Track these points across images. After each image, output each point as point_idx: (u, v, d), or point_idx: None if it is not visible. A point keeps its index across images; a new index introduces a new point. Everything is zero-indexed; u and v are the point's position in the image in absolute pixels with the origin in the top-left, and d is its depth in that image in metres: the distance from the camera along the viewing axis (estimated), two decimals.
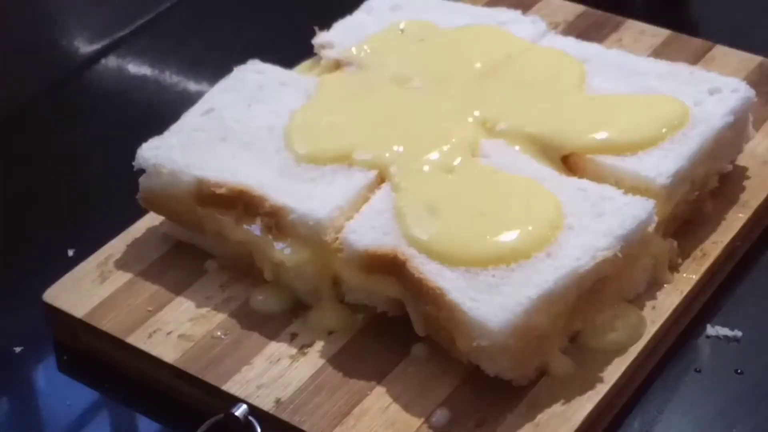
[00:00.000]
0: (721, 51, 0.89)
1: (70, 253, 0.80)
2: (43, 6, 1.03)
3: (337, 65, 0.84)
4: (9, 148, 0.92)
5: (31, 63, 0.98)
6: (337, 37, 0.85)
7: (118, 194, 0.80)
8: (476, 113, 0.78)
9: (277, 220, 0.72)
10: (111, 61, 1.00)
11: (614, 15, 0.94)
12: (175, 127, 0.78)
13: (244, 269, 0.74)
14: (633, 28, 0.92)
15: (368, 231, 0.70)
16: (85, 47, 1.01)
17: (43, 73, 0.94)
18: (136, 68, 0.99)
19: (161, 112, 0.86)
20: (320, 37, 0.86)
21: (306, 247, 0.71)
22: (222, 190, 0.73)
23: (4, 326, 0.78)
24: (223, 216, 0.73)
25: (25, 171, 0.90)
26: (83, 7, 1.06)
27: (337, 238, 0.70)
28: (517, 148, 0.76)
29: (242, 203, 0.73)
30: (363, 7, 0.89)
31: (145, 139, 0.77)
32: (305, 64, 0.86)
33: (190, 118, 0.79)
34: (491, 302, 0.65)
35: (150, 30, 1.02)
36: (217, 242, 0.75)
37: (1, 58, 0.97)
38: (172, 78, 0.98)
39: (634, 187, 0.72)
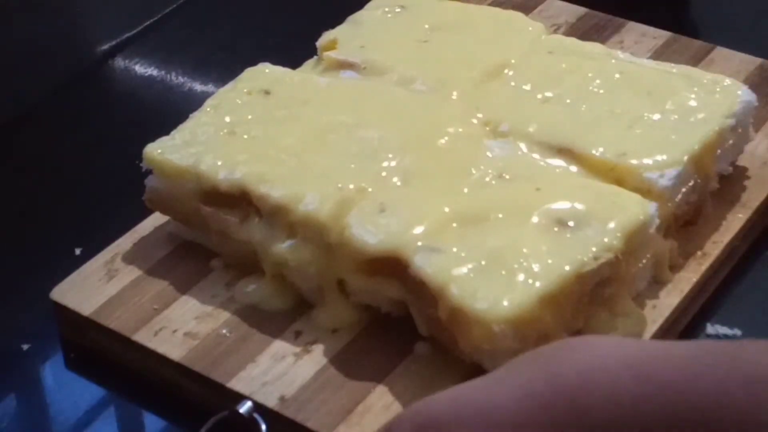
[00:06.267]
0: (721, 53, 0.90)
1: (78, 251, 0.81)
2: (50, 8, 1.03)
3: (340, 65, 0.84)
4: (16, 148, 0.92)
5: (39, 64, 0.98)
6: (340, 39, 0.86)
7: (124, 193, 0.80)
8: (479, 115, 0.78)
9: (279, 220, 0.72)
10: (118, 62, 1.00)
11: (615, 17, 0.94)
12: (181, 127, 0.78)
13: (249, 268, 0.75)
14: (634, 30, 0.93)
15: (371, 233, 0.70)
16: (93, 48, 1.02)
17: (51, 74, 0.94)
18: (143, 69, 0.99)
19: (168, 112, 0.86)
20: (324, 38, 0.86)
21: (309, 246, 0.71)
22: (225, 189, 0.73)
23: (11, 324, 0.79)
24: (227, 215, 0.74)
25: (32, 170, 0.90)
26: (90, 9, 1.06)
27: (340, 239, 0.71)
28: (522, 145, 0.76)
29: (245, 202, 0.73)
30: (367, 7, 0.89)
31: (152, 139, 0.77)
32: (308, 64, 0.86)
33: (197, 118, 0.79)
34: (493, 304, 0.65)
35: (157, 31, 1.02)
36: (222, 241, 0.75)
37: (9, 59, 0.97)
38: (178, 79, 0.99)
39: (636, 187, 0.73)
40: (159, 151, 0.76)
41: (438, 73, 0.82)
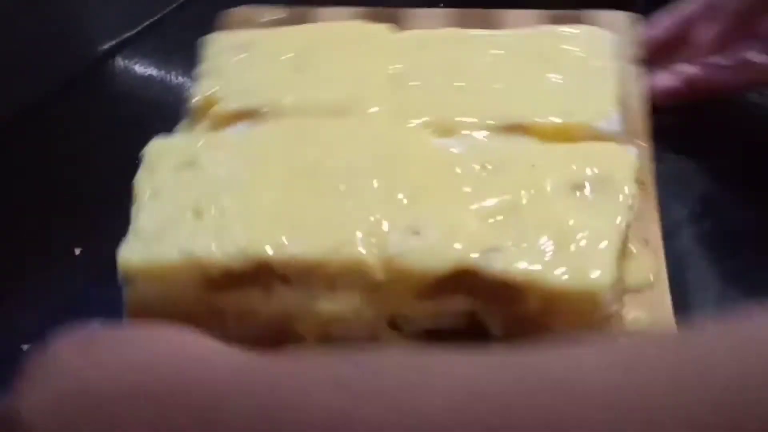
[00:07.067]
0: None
1: (77, 251, 0.81)
2: (50, 8, 1.03)
3: (235, 117, 0.78)
4: (16, 148, 0.92)
5: (38, 64, 0.98)
6: (221, 89, 0.79)
7: (124, 193, 0.80)
8: (413, 123, 0.77)
9: (315, 277, 0.68)
10: (118, 62, 1.01)
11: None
12: (135, 226, 0.70)
13: (276, 343, 0.66)
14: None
15: (428, 256, 0.68)
16: (92, 48, 1.02)
17: (50, 75, 0.95)
18: (143, 69, 1.00)
19: (168, 112, 0.86)
20: (200, 97, 0.79)
21: (356, 292, 0.68)
22: (239, 267, 0.67)
23: (11, 324, 0.79)
24: (248, 294, 0.68)
25: (31, 170, 0.90)
26: (90, 9, 1.06)
27: (390, 274, 0.68)
28: (474, 134, 0.76)
29: (262, 273, 0.68)
30: (212, 55, 0.83)
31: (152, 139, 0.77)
32: (185, 124, 0.80)
33: (144, 209, 0.71)
34: (589, 275, 0.66)
35: (157, 31, 1.03)
36: (242, 325, 0.69)
37: (8, 59, 0.97)
38: (178, 79, 0.99)
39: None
40: (136, 256, 0.68)
41: (343, 95, 0.79)
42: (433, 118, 0.77)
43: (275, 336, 0.68)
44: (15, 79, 0.96)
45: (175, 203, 0.71)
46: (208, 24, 0.92)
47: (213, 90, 0.80)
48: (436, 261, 0.67)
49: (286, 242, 0.68)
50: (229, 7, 0.93)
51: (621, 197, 0.70)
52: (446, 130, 0.76)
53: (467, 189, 0.72)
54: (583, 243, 0.67)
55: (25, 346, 0.77)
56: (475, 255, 0.67)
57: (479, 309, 0.68)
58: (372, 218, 0.69)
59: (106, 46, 1.01)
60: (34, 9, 0.99)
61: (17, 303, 0.80)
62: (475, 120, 0.76)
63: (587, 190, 0.71)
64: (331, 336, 0.69)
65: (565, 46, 0.82)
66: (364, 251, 0.67)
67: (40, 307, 0.76)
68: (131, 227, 0.69)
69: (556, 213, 0.70)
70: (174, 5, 1.03)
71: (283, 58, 0.83)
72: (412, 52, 0.83)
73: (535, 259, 0.67)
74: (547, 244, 0.67)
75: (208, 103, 0.79)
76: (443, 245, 0.68)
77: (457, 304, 0.68)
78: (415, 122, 0.77)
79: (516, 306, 0.67)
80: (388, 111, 0.78)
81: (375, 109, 0.78)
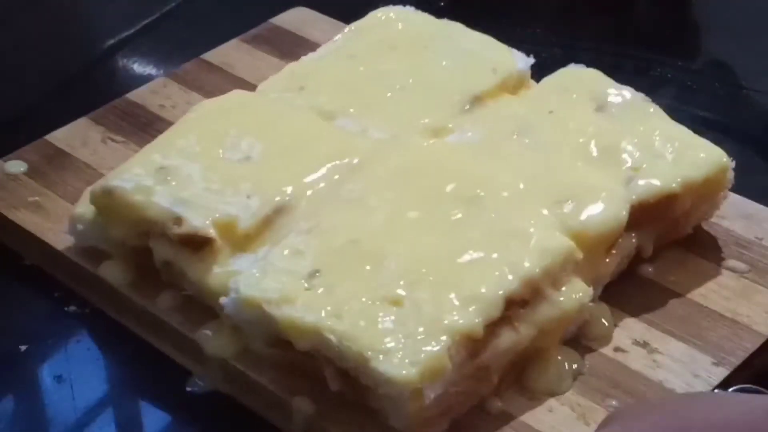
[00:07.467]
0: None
1: None
2: (50, 7, 1.01)
3: (258, 232, 0.73)
4: (15, 148, 0.87)
5: (38, 63, 0.96)
6: (186, 213, 0.72)
7: None
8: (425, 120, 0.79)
9: (542, 284, 0.69)
10: (117, 61, 0.99)
11: None
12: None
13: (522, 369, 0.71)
14: None
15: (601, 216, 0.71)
16: (92, 46, 1.00)
17: (50, 73, 0.92)
18: (142, 68, 0.98)
19: None
20: (194, 225, 0.72)
21: (573, 276, 0.70)
22: (494, 314, 0.67)
23: (9, 325, 0.78)
24: (501, 336, 0.68)
25: None
26: (90, 7, 1.04)
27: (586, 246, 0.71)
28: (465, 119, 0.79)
29: (509, 306, 0.68)
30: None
31: None
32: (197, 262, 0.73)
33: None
34: (701, 154, 0.75)
35: (156, 29, 1.02)
36: (502, 368, 0.69)
37: (9, 59, 0.95)
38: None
39: (520, 85, 0.83)
40: (412, 372, 0.64)
41: (325, 163, 0.76)
42: (412, 127, 0.78)
43: (524, 362, 0.70)
44: (15, 79, 0.94)
45: (364, 319, 0.66)
46: (207, 22, 0.94)
47: (216, 215, 0.72)
48: (615, 211, 0.71)
49: (506, 272, 0.67)
50: (223, 4, 0.96)
51: (629, 96, 0.78)
52: (436, 130, 0.78)
53: (539, 155, 0.75)
54: (673, 140, 0.75)
55: (22, 347, 0.75)
56: (637, 184, 0.72)
57: (640, 238, 0.73)
58: (530, 209, 0.71)
59: (105, 45, 1.00)
60: (34, 8, 0.97)
61: (14, 304, 0.79)
62: (444, 113, 0.79)
63: (609, 107, 0.77)
64: (568, 334, 0.71)
65: (401, 27, 0.86)
66: (560, 237, 0.69)
67: (38, 309, 0.77)
68: (375, 362, 0.64)
69: (619, 133, 0.76)
70: (173, 4, 1.04)
71: (220, 156, 0.76)
72: (292, 96, 0.81)
73: (667, 168, 0.73)
74: (658, 154, 0.74)
75: (226, 228, 0.72)
76: (600, 196, 0.71)
77: (629, 245, 0.73)
78: (406, 136, 0.77)
79: (669, 214, 0.73)
80: (379, 134, 0.78)
81: (372, 138, 0.78)
